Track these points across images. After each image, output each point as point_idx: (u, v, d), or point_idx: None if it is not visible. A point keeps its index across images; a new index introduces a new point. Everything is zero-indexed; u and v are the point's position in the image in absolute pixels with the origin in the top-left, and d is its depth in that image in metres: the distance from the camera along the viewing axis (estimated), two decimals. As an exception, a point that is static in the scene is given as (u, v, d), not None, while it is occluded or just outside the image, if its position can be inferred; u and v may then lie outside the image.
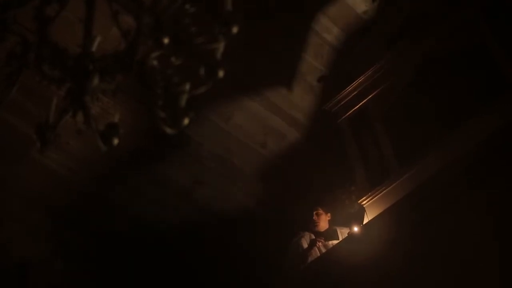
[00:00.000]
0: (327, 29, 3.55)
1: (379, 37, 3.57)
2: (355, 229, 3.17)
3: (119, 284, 4.10)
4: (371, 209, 3.19)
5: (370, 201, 3.19)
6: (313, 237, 3.39)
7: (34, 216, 3.89)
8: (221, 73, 1.45)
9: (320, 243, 3.32)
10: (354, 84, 3.46)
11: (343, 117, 3.53)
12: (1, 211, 3.83)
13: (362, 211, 3.23)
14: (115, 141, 1.54)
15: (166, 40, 1.47)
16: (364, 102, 3.46)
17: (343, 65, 3.64)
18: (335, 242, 3.32)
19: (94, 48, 1.54)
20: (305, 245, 3.35)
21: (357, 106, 3.48)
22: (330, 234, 3.42)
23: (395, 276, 2.87)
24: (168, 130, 1.50)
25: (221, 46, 1.46)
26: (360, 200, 3.25)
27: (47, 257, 4.01)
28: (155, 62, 1.49)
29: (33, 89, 2.98)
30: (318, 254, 3.29)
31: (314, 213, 3.49)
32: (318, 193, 3.77)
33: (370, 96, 3.43)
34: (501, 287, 2.58)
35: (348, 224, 3.29)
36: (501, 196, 2.66)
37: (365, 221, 3.18)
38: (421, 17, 3.37)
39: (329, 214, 3.53)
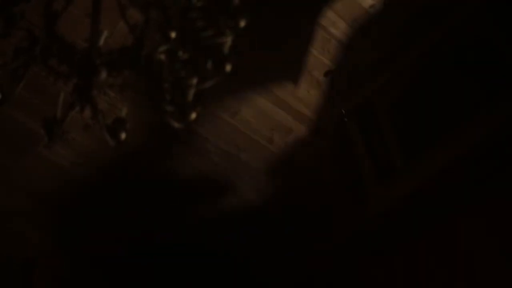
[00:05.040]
0: (334, 24, 3.55)
1: (386, 31, 3.57)
2: None
3: (126, 279, 4.11)
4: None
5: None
6: None
7: (41, 211, 3.90)
8: (228, 67, 1.46)
9: None
10: (361, 78, 3.47)
11: (349, 110, 3.55)
12: (9, 206, 3.85)
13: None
14: (123, 136, 1.54)
15: (173, 34, 1.47)
16: (370, 96, 3.46)
17: (350, 59, 3.64)
18: None
19: (101, 42, 1.54)
20: None
21: (363, 100, 3.49)
22: None
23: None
24: (176, 125, 1.50)
25: (228, 40, 1.46)
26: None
27: (54, 252, 4.02)
28: (162, 57, 1.49)
29: (40, 85, 2.99)
30: None
31: None
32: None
33: (376, 90, 3.44)
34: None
35: None
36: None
37: None
38: (428, 11, 3.37)
39: None
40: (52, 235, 4.00)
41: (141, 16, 1.53)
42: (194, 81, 1.47)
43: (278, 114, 3.82)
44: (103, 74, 1.49)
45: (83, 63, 1.53)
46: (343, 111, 3.59)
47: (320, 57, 3.68)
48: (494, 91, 2.89)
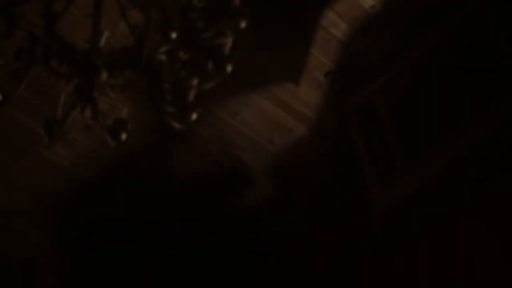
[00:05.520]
0: (334, 24, 3.55)
1: (386, 31, 3.57)
2: None
3: (127, 279, 4.12)
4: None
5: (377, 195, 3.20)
6: None
7: (41, 211, 3.90)
8: (229, 68, 1.46)
9: None
10: (361, 78, 3.47)
11: (349, 110, 3.55)
12: (9, 206, 3.85)
13: None
14: (123, 137, 1.54)
15: (174, 35, 1.47)
16: (371, 96, 3.47)
17: (350, 59, 3.65)
18: None
19: (102, 43, 1.54)
20: None
21: (363, 100, 3.49)
22: None
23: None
24: (176, 125, 1.50)
25: (229, 41, 1.46)
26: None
27: (54, 252, 4.02)
28: (163, 57, 1.49)
29: (40, 86, 2.99)
30: None
31: None
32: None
33: (377, 90, 3.44)
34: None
35: None
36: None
37: None
38: (428, 11, 3.37)
39: None
40: (52, 235, 4.00)
41: (141, 17, 1.53)
42: (195, 81, 1.47)
43: (278, 114, 3.82)
44: (104, 75, 1.49)
45: (84, 64, 1.53)
46: (343, 111, 3.59)
47: (321, 57, 3.68)
48: (494, 91, 2.89)
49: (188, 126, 1.52)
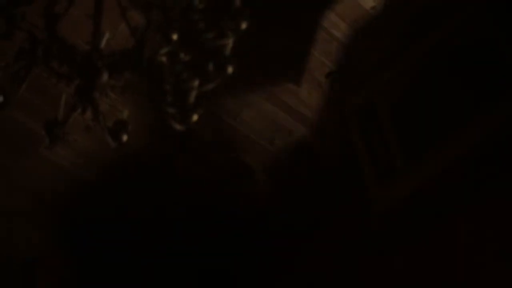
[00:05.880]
0: (335, 25, 3.56)
1: (386, 32, 3.57)
2: None
3: (127, 280, 4.12)
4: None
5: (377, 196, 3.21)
6: None
7: (41, 211, 3.90)
8: (230, 69, 1.46)
9: None
10: (362, 79, 3.47)
11: (350, 111, 3.55)
12: (9, 206, 3.85)
13: None
14: (124, 138, 1.54)
15: (174, 37, 1.48)
16: (371, 96, 3.47)
17: (351, 60, 3.65)
18: None
19: (102, 44, 1.55)
20: None
21: (364, 100, 3.49)
22: None
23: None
24: (177, 126, 1.51)
25: (230, 42, 1.46)
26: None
27: (54, 252, 4.02)
28: (163, 59, 1.49)
29: (41, 86, 2.99)
30: None
31: None
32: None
33: (377, 90, 3.44)
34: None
35: None
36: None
37: None
38: (428, 11, 3.37)
39: None
40: (52, 235, 4.00)
41: (142, 18, 1.53)
42: (196, 83, 1.47)
43: (279, 115, 3.82)
44: (105, 76, 1.49)
45: (84, 65, 1.53)
46: (343, 111, 3.59)
47: (322, 58, 3.69)
48: (494, 91, 2.89)
49: (189, 127, 1.52)
